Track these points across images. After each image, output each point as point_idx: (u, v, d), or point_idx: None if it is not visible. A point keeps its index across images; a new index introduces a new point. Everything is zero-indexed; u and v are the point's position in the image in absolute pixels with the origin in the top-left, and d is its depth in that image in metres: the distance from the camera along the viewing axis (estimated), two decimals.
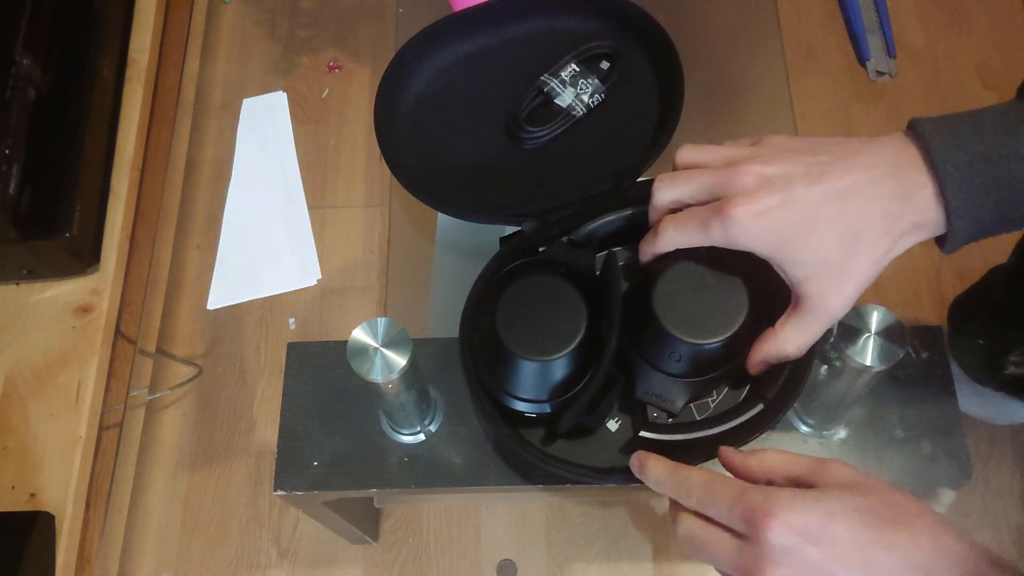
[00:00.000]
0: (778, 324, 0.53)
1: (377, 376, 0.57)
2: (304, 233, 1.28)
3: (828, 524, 0.44)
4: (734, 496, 0.46)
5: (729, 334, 0.53)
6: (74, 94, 0.96)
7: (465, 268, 0.72)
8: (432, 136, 0.70)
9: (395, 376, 0.57)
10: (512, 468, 0.68)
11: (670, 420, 0.59)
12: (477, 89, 0.71)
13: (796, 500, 0.45)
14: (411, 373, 0.58)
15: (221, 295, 1.25)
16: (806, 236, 0.49)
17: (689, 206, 0.53)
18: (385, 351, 0.57)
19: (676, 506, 0.50)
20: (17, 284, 0.95)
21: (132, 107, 1.04)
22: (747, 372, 0.56)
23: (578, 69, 0.69)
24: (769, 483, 0.49)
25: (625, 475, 0.55)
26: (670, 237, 0.53)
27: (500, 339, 0.55)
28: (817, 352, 0.55)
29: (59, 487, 0.85)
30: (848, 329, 0.58)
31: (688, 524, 0.48)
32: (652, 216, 0.55)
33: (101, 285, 0.95)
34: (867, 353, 0.57)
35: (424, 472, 0.68)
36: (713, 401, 0.61)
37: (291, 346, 0.73)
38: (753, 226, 0.49)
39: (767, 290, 0.54)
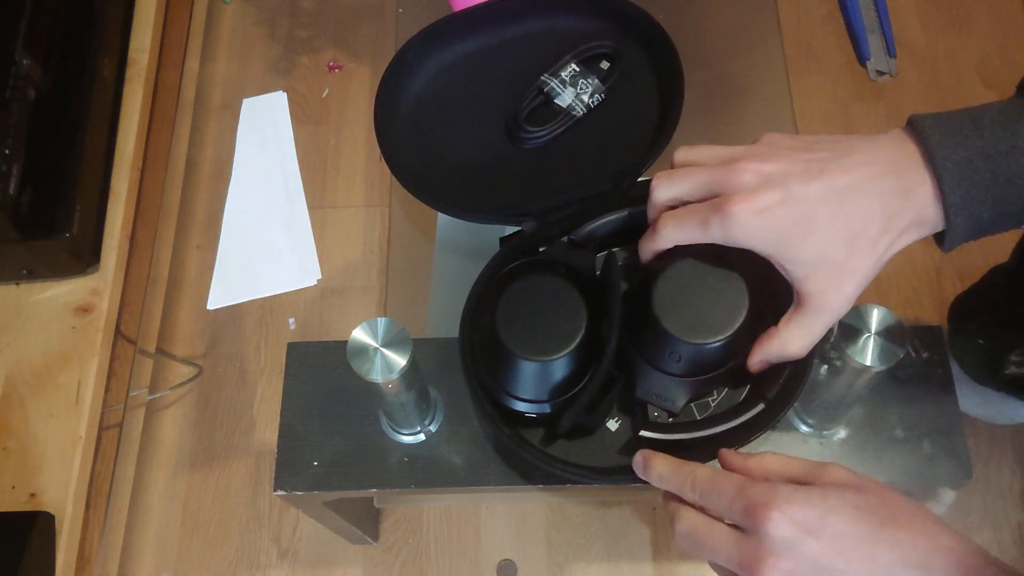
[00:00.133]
0: (780, 323, 0.53)
1: (377, 376, 0.57)
2: (304, 233, 1.28)
3: (828, 518, 0.44)
4: (735, 490, 0.46)
5: (729, 333, 0.53)
6: (74, 94, 0.96)
7: (465, 268, 0.72)
8: (432, 136, 0.70)
9: (395, 376, 0.57)
10: (512, 468, 0.68)
11: (670, 420, 0.59)
12: (477, 89, 0.71)
13: (797, 495, 0.45)
14: (411, 373, 0.58)
15: (221, 295, 1.25)
16: (805, 234, 0.49)
17: (688, 204, 0.53)
18: (385, 351, 0.57)
19: (675, 503, 0.50)
20: (17, 284, 0.95)
21: (132, 107, 1.04)
22: (748, 372, 0.56)
23: (578, 69, 0.69)
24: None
25: (625, 475, 0.55)
26: (669, 234, 0.53)
27: (500, 339, 0.55)
28: (817, 352, 0.55)
29: (59, 487, 0.85)
30: (848, 329, 0.57)
31: (689, 519, 0.48)
32: (651, 214, 0.55)
33: (101, 285, 0.95)
34: (867, 353, 0.57)
35: (424, 472, 0.68)
36: (713, 401, 0.61)
37: (291, 346, 0.73)
38: (752, 224, 0.49)
39: (768, 289, 0.54)
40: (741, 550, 0.45)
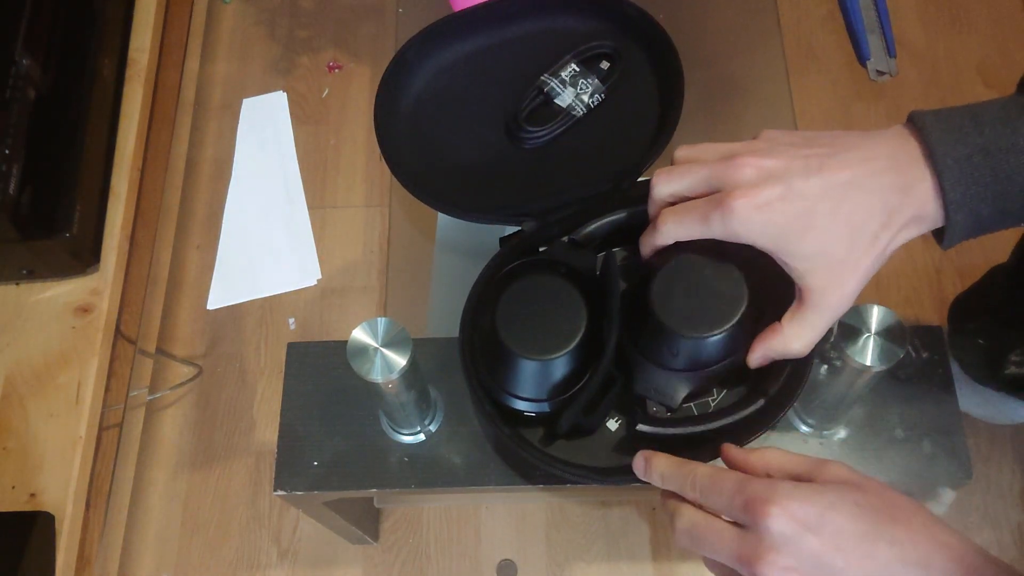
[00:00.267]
0: (783, 320, 0.53)
1: (377, 376, 0.57)
2: (304, 233, 1.28)
3: (828, 515, 0.44)
4: (736, 486, 0.46)
5: (726, 327, 0.53)
6: (74, 94, 0.96)
7: (465, 268, 0.72)
8: (432, 136, 0.70)
9: (395, 376, 0.57)
10: (512, 468, 0.68)
11: (669, 415, 0.58)
12: (477, 89, 0.71)
13: (797, 491, 0.45)
14: (411, 373, 0.58)
15: (221, 295, 1.25)
16: (806, 229, 0.49)
17: (688, 199, 0.53)
18: (385, 351, 0.57)
19: (675, 500, 0.50)
20: (17, 284, 0.95)
21: (132, 107, 1.04)
22: (748, 369, 0.56)
23: (578, 69, 0.69)
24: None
25: (625, 475, 0.55)
26: (669, 230, 0.53)
27: (500, 338, 0.55)
28: (817, 352, 0.55)
29: (59, 487, 0.85)
30: (848, 329, 0.57)
31: (689, 515, 0.48)
32: (651, 210, 0.55)
33: (101, 285, 0.95)
34: (867, 353, 0.57)
35: (424, 472, 0.68)
36: (713, 401, 0.61)
37: (291, 346, 0.73)
38: (753, 219, 0.49)
39: (769, 286, 0.54)
40: (741, 546, 0.45)
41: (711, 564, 0.49)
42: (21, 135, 0.86)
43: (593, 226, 0.62)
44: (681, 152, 0.54)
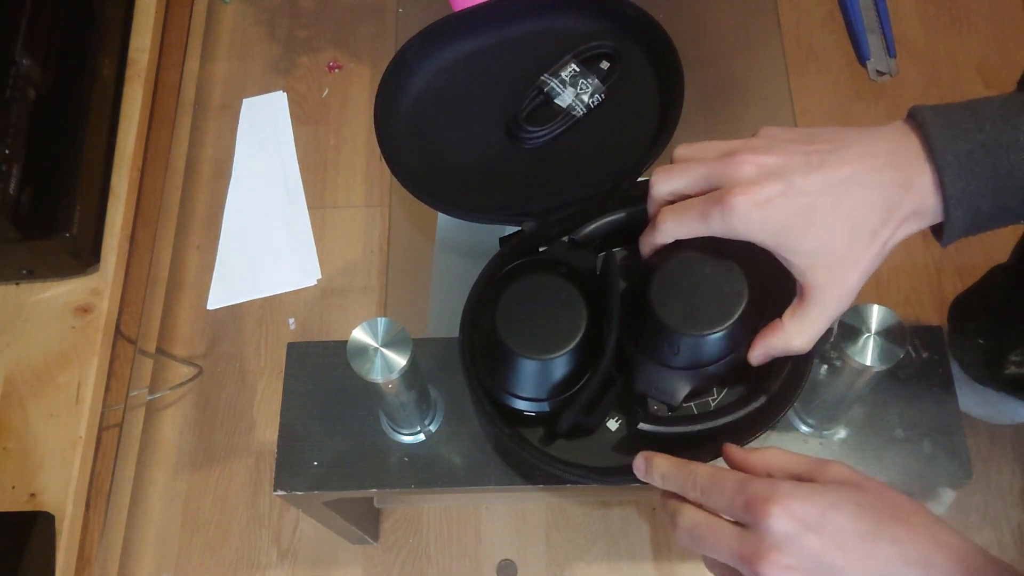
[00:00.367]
0: (784, 316, 0.53)
1: (377, 376, 0.57)
2: (304, 233, 1.28)
3: (828, 514, 0.44)
4: (737, 486, 0.46)
5: (726, 325, 0.53)
6: (74, 94, 0.96)
7: (465, 268, 0.72)
8: (432, 136, 0.70)
9: (395, 376, 0.57)
10: (512, 468, 0.68)
11: (670, 413, 0.58)
12: (477, 89, 0.71)
13: (798, 490, 0.45)
14: (411, 373, 0.58)
15: (221, 295, 1.25)
16: (806, 225, 0.48)
17: (688, 198, 0.53)
18: (385, 351, 0.57)
19: (676, 500, 0.50)
20: (17, 284, 0.95)
21: (132, 107, 1.04)
22: (749, 368, 0.56)
23: (578, 69, 0.69)
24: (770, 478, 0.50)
25: (625, 475, 0.55)
26: (669, 228, 0.53)
27: (500, 338, 0.55)
28: (817, 349, 0.55)
29: (59, 487, 0.85)
30: (848, 329, 0.57)
31: (690, 515, 0.48)
32: (651, 208, 0.55)
33: (101, 285, 0.95)
34: (867, 353, 0.57)
35: (424, 472, 0.68)
36: (714, 401, 0.61)
37: (291, 346, 0.73)
38: (754, 216, 0.48)
39: (770, 284, 0.54)
40: (742, 545, 0.45)
41: (711, 564, 0.49)
42: (21, 135, 0.86)
43: (593, 226, 0.62)
44: (680, 151, 0.54)
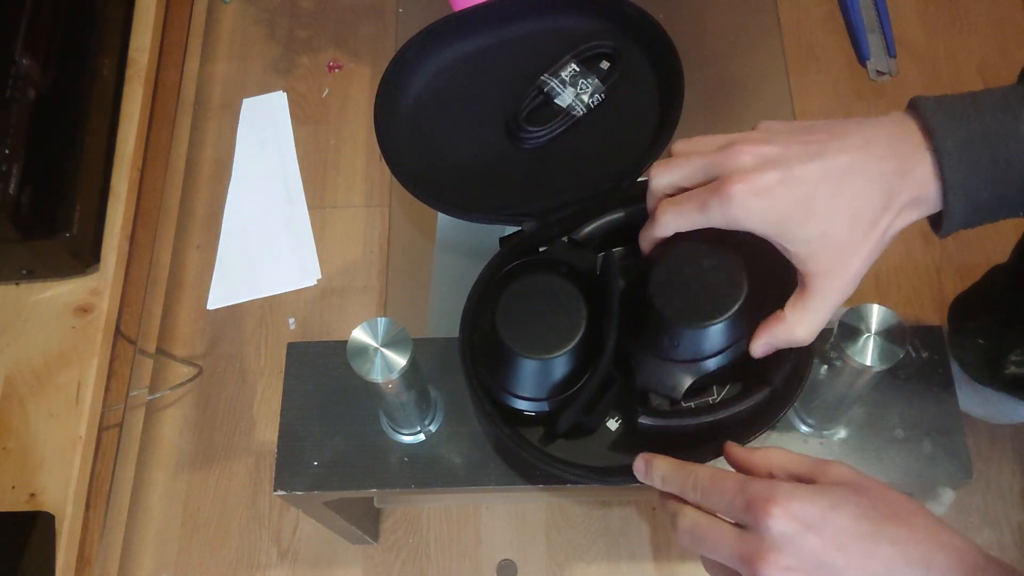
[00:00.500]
0: (786, 307, 0.53)
1: (377, 376, 0.57)
2: (304, 233, 1.28)
3: (828, 515, 0.44)
4: (737, 487, 0.46)
5: (726, 316, 0.53)
6: (74, 94, 0.96)
7: (465, 268, 0.72)
8: (432, 136, 0.70)
9: (395, 376, 0.57)
10: (512, 468, 0.68)
11: (671, 407, 0.58)
12: (477, 89, 0.71)
13: (798, 491, 0.45)
14: (411, 373, 0.58)
15: (221, 295, 1.25)
16: (807, 213, 0.48)
17: (687, 191, 0.52)
18: (385, 351, 0.57)
19: (676, 502, 0.50)
20: (17, 284, 0.95)
21: (132, 107, 1.04)
22: (750, 364, 0.56)
23: (578, 69, 0.69)
24: (771, 478, 0.49)
25: (625, 475, 0.55)
26: (668, 221, 0.52)
27: (500, 337, 0.55)
28: (817, 347, 0.55)
29: (59, 487, 0.85)
30: (848, 329, 0.57)
31: (690, 516, 0.48)
32: (650, 202, 0.55)
33: (101, 285, 0.95)
34: (867, 353, 0.57)
35: (424, 472, 0.68)
36: (714, 400, 0.61)
37: (291, 346, 0.73)
38: (752, 204, 0.48)
39: (770, 274, 0.54)
40: (742, 546, 0.45)
41: (710, 565, 0.49)
42: (21, 135, 0.86)
43: (593, 225, 0.62)
44: (679, 145, 0.54)
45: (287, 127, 1.36)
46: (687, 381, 0.57)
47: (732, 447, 0.53)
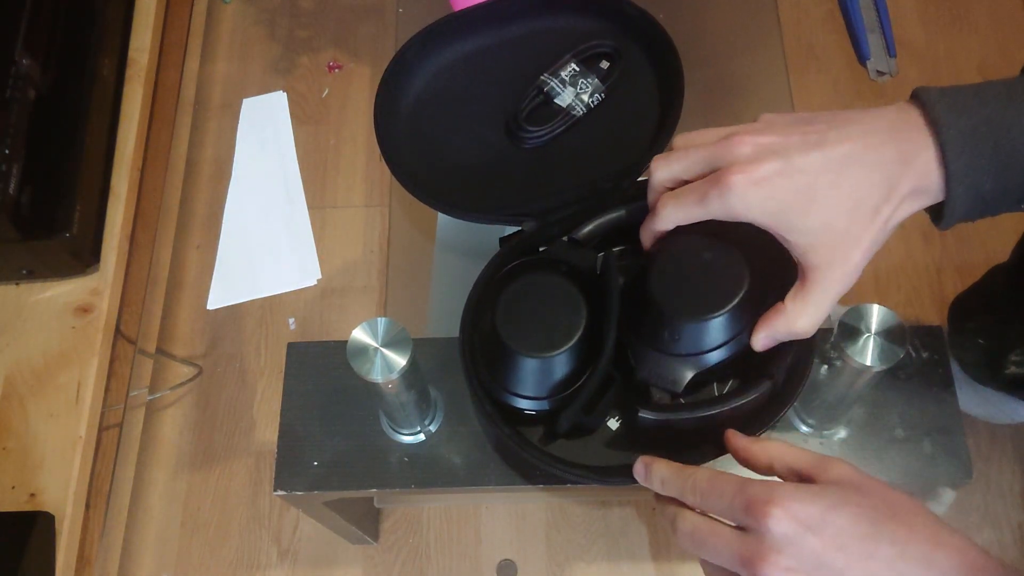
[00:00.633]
0: (787, 299, 0.52)
1: (377, 376, 0.57)
2: (304, 233, 1.28)
3: (828, 515, 0.44)
4: (736, 489, 0.46)
5: (726, 309, 0.53)
6: (74, 94, 0.96)
7: (465, 268, 0.72)
8: (432, 136, 0.70)
9: (395, 376, 0.57)
10: (512, 468, 0.68)
11: (672, 401, 0.58)
12: (477, 89, 0.71)
13: (798, 492, 0.45)
14: (411, 373, 0.58)
15: (221, 295, 1.25)
16: (807, 204, 0.48)
17: (688, 184, 0.52)
18: (385, 351, 0.57)
19: (675, 505, 0.50)
20: (17, 284, 0.95)
21: (132, 107, 1.04)
22: (752, 356, 0.55)
23: (578, 68, 0.69)
24: (771, 471, 0.50)
25: (625, 475, 0.55)
26: (669, 214, 0.52)
27: (500, 336, 0.55)
28: (818, 343, 0.55)
29: (59, 487, 0.85)
30: (848, 329, 0.57)
31: (690, 520, 0.48)
32: (651, 197, 0.55)
33: (101, 285, 0.95)
34: (867, 353, 0.57)
35: (424, 472, 0.68)
36: (715, 395, 0.61)
37: (291, 346, 0.73)
38: (752, 195, 0.48)
39: (772, 268, 0.54)
40: (742, 547, 0.45)
41: (709, 568, 0.49)
42: (21, 135, 0.86)
43: (593, 224, 0.62)
44: (679, 139, 0.54)
45: (287, 127, 1.36)
46: (688, 375, 0.56)
47: (733, 435, 0.53)
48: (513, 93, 0.69)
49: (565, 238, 0.62)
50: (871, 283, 1.21)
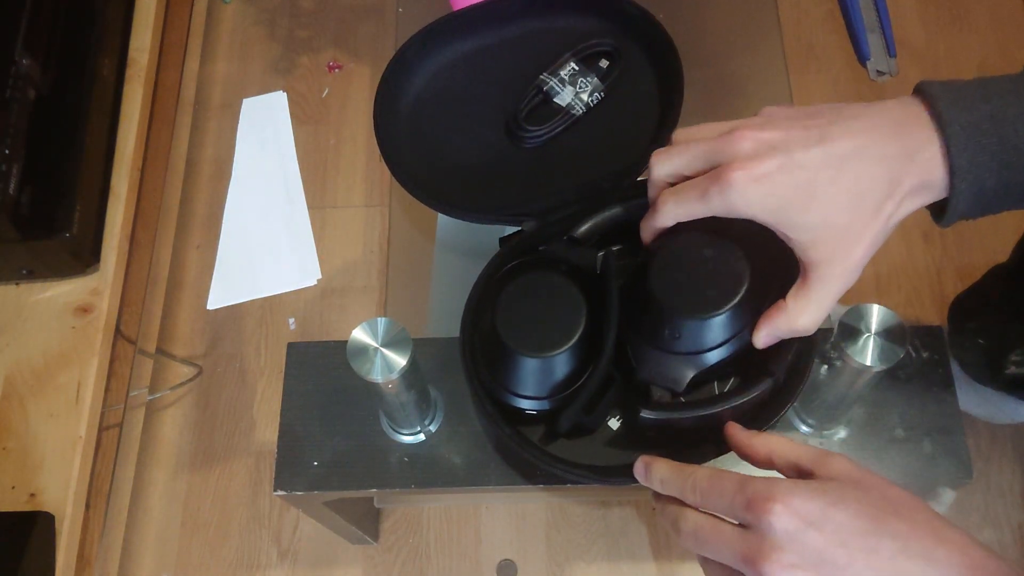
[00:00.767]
0: (788, 296, 0.52)
1: (377, 376, 0.57)
2: (304, 233, 1.28)
3: (829, 511, 0.44)
4: (737, 486, 0.46)
5: (727, 307, 0.52)
6: (74, 94, 0.96)
7: (465, 268, 0.72)
8: (432, 136, 0.70)
9: (395, 376, 0.57)
10: (512, 468, 0.68)
11: (672, 400, 0.58)
12: (477, 89, 0.71)
13: (798, 488, 0.45)
14: (411, 373, 0.58)
15: (221, 295, 1.25)
16: (808, 200, 0.48)
17: (688, 179, 0.52)
18: (385, 351, 0.57)
19: (674, 506, 0.50)
20: (17, 284, 0.95)
21: (132, 107, 1.04)
22: (753, 354, 0.55)
23: (577, 68, 0.69)
24: (771, 465, 0.49)
25: (626, 475, 0.55)
26: (669, 210, 0.52)
27: (500, 336, 0.55)
28: (819, 341, 0.55)
29: (59, 487, 0.85)
30: (848, 329, 0.57)
31: (692, 519, 0.48)
32: (651, 192, 0.54)
33: (101, 285, 0.95)
34: (867, 353, 0.57)
35: (424, 472, 0.68)
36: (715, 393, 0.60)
37: (291, 346, 0.73)
38: (752, 191, 0.48)
39: (773, 265, 0.54)
40: (744, 545, 0.45)
41: (709, 567, 0.49)
42: (21, 135, 0.86)
43: (593, 223, 0.62)
44: (679, 133, 0.53)
45: (287, 127, 1.36)
46: (689, 373, 0.56)
47: (733, 428, 0.52)
48: (513, 93, 0.69)
49: (565, 237, 0.62)
50: (871, 283, 1.21)
